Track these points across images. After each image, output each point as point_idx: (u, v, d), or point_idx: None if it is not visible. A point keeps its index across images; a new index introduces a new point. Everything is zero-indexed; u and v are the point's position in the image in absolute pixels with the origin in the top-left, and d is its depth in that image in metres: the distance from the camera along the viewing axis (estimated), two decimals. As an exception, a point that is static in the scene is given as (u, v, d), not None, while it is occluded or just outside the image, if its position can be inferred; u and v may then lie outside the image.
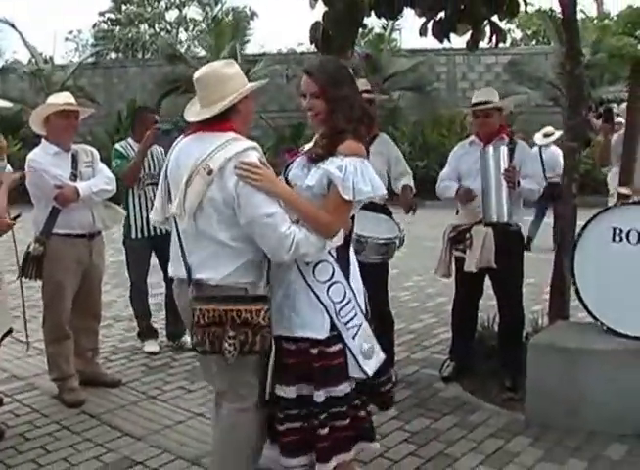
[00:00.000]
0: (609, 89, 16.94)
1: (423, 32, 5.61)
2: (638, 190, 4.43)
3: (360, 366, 3.01)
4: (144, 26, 29.83)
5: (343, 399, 2.98)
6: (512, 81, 17.87)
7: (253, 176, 2.76)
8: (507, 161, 4.57)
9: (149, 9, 29.50)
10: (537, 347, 4.28)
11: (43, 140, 4.61)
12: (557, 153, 10.02)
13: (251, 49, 21.24)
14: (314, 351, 2.94)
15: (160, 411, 4.45)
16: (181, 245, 2.96)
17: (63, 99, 4.60)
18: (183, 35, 31.02)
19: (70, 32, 31.93)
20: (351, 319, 3.01)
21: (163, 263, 5.53)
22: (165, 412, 4.43)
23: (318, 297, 2.97)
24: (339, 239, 2.93)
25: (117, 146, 5.57)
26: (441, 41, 5.66)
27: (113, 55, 27.42)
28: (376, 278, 4.65)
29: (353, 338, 3.00)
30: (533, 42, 26.41)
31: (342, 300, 3.00)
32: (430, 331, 6.25)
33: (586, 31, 15.78)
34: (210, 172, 2.76)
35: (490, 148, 4.63)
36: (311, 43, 5.42)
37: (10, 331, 4.10)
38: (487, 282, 4.98)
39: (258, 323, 2.81)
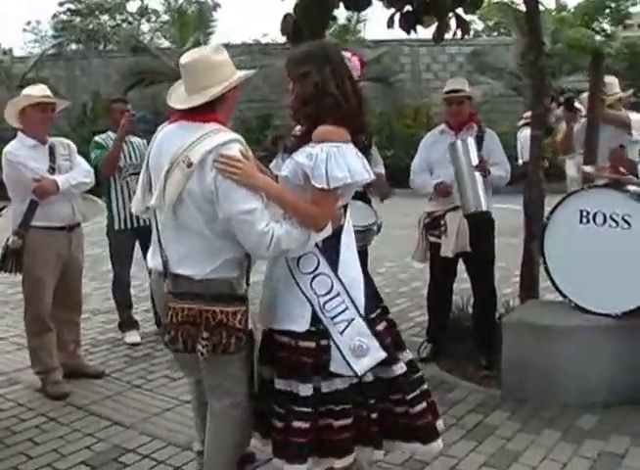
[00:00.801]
0: (569, 79, 17.26)
1: (390, 24, 5.75)
2: (602, 167, 4.59)
3: (349, 364, 2.84)
4: (105, 17, 29.40)
5: (299, 400, 2.84)
6: (475, 72, 18.09)
7: (233, 170, 2.66)
8: (476, 151, 4.73)
9: (109, -1, 29.20)
10: (511, 325, 4.46)
11: (19, 133, 4.57)
12: (527, 136, 10.44)
13: (215, 41, 21.13)
14: (287, 340, 2.89)
15: (147, 400, 4.51)
16: (159, 237, 2.91)
17: (39, 91, 4.58)
18: (145, 26, 30.78)
19: (29, 23, 31.50)
20: (339, 313, 2.86)
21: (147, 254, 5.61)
22: (152, 401, 4.49)
23: (301, 289, 2.87)
24: (326, 232, 2.82)
25: (97, 138, 5.58)
26: (408, 33, 5.80)
27: (73, 46, 26.97)
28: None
29: (341, 333, 2.85)
30: (495, 33, 26.70)
31: (329, 292, 2.86)
32: (406, 315, 6.39)
33: (545, 23, 16.08)
34: (190, 165, 2.67)
35: (458, 142, 4.74)
36: (282, 34, 5.52)
37: None
38: (460, 266, 5.14)
39: (233, 325, 2.73)
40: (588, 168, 4.61)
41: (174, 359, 3.36)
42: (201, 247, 2.81)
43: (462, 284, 5.40)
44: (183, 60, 2.84)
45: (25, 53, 25.62)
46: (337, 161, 2.70)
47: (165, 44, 23.69)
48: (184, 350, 2.81)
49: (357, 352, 2.85)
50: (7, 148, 4.50)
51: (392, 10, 5.65)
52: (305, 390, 2.83)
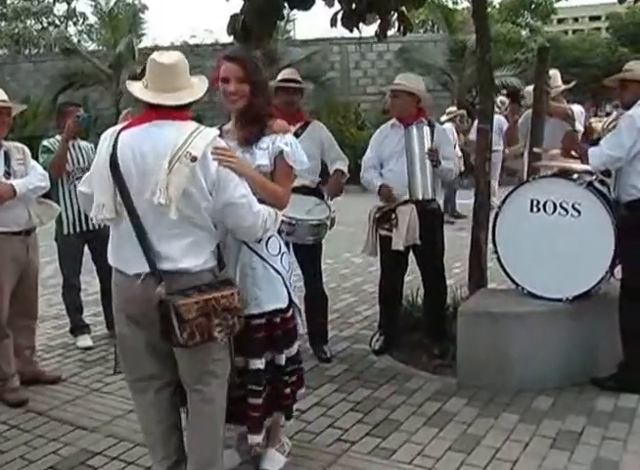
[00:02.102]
0: (495, 74, 17.70)
1: (333, 23, 5.81)
2: (554, 151, 4.75)
3: (302, 324, 3.61)
4: (30, 21, 28.65)
5: (297, 356, 3.47)
6: (403, 68, 18.26)
7: (231, 159, 2.91)
8: (430, 140, 4.87)
9: (36, 2, 28.34)
10: (466, 313, 4.58)
11: None
12: (448, 129, 10.91)
13: (144, 43, 20.96)
14: (277, 319, 3.27)
15: (108, 403, 4.48)
16: (145, 237, 2.88)
17: None
18: (72, 29, 30.18)
19: (-51, 28, 30.36)
20: (295, 284, 3.50)
21: (97, 257, 5.57)
22: (113, 403, 4.46)
23: (276, 269, 3.29)
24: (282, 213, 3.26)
25: (45, 142, 5.48)
26: (351, 31, 5.87)
27: (-1, 51, 26.28)
28: (312, 258, 4.92)
29: (298, 298, 3.54)
30: (421, 30, 27.12)
31: (290, 267, 3.42)
32: (353, 309, 6.51)
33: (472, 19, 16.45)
34: (194, 159, 2.80)
35: (414, 128, 4.88)
36: (229, 34, 5.53)
37: None
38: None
39: (235, 307, 2.93)
40: (538, 150, 4.75)
41: (132, 369, 3.22)
42: (203, 237, 2.96)
43: (409, 276, 5.49)
44: (165, 60, 2.92)
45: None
46: (300, 148, 3.29)
47: (92, 47, 23.24)
48: (202, 341, 2.86)
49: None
50: None
51: (332, 9, 5.72)
52: (294, 349, 3.42)
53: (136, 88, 2.99)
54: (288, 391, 3.40)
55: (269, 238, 3.27)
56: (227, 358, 3.13)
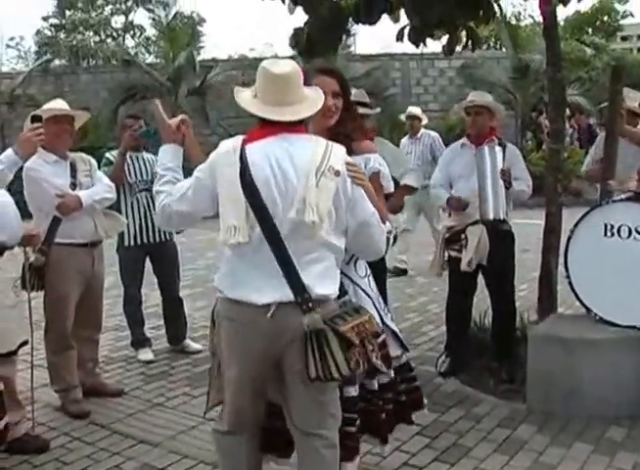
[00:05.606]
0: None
1: (400, 38, 5.76)
2: (622, 181, 4.62)
3: (402, 344, 3.34)
4: (89, 33, 29.24)
5: (393, 384, 3.27)
6: (465, 86, 18.13)
7: (362, 177, 2.79)
8: (501, 160, 4.75)
9: (94, 14, 28.97)
10: (537, 338, 4.46)
11: (39, 148, 4.25)
12: None
13: (203, 56, 21.26)
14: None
15: (170, 418, 4.46)
16: (289, 262, 2.62)
17: (57, 105, 4.51)
18: (129, 42, 30.78)
19: (12, 39, 31.32)
20: (384, 306, 3.33)
21: (158, 270, 5.58)
22: (175, 418, 4.44)
23: (364, 290, 3.18)
24: None
25: (108, 154, 5.51)
26: (417, 46, 5.83)
27: (56, 62, 26.82)
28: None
29: (392, 320, 3.32)
30: (484, 47, 26.90)
31: (373, 290, 3.27)
32: (418, 329, 6.37)
33: (537, 36, 16.12)
34: (338, 173, 2.63)
35: (486, 148, 4.77)
36: (293, 49, 5.55)
37: (25, 342, 4.02)
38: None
39: (375, 331, 2.81)
40: (613, 183, 4.63)
41: (234, 414, 2.91)
42: (332, 262, 2.75)
43: (477, 297, 5.34)
44: (278, 70, 2.69)
45: (9, 69, 25.52)
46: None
47: (149, 59, 23.60)
48: (362, 370, 2.76)
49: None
50: (28, 164, 4.24)
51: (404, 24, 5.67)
52: (387, 376, 3.21)
53: (246, 100, 2.77)
54: (383, 416, 3.21)
55: (357, 260, 3.16)
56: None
